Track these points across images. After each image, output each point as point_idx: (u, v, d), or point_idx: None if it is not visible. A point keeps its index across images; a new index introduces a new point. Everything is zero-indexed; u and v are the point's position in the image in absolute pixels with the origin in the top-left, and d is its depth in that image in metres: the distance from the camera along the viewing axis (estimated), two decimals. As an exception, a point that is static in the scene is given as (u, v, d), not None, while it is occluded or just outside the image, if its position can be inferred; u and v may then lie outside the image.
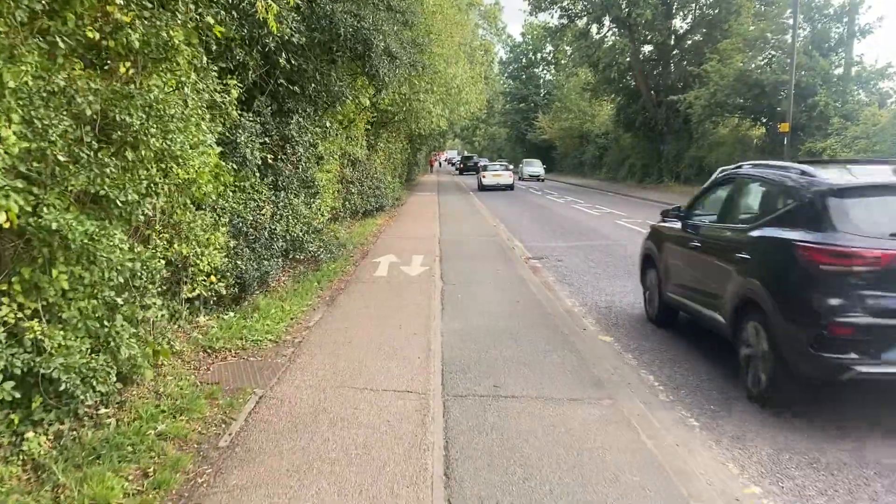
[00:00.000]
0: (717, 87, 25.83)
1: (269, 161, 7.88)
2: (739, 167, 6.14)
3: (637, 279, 8.03)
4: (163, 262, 5.12)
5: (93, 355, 3.89)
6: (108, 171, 4.07)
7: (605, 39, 38.42)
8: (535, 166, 45.83)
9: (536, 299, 8.22)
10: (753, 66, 25.19)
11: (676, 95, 29.90)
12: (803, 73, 22.75)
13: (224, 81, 6.81)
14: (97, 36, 4.13)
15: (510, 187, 34.39)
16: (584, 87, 44.44)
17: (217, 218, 6.63)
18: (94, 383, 3.79)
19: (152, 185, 4.72)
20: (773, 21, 25.79)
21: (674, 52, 37.25)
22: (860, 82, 23.48)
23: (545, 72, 73.87)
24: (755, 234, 5.04)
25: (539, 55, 73.35)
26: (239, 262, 6.81)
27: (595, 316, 7.76)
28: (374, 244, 13.13)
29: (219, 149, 6.71)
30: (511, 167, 37.50)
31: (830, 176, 4.78)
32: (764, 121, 28.11)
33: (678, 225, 6.56)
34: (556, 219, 19.42)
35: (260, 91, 8.00)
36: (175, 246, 5.43)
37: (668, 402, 4.94)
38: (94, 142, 4.12)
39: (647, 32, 36.79)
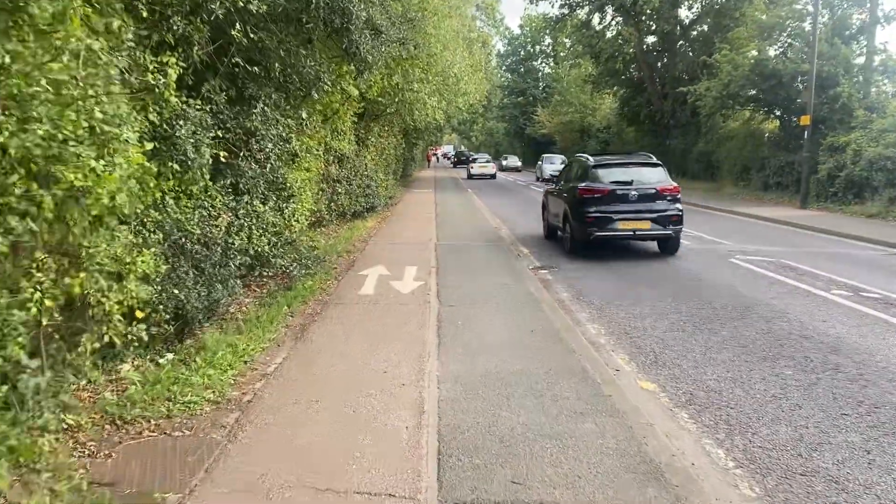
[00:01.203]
0: (731, 78, 24.29)
1: (224, 159, 6.37)
2: (572, 158, 14.46)
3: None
4: (48, 303, 3.66)
5: None
6: None
7: (609, 29, 36.86)
8: (512, 160, 57.85)
9: (553, 327, 6.73)
10: (770, 54, 23.65)
11: (686, 87, 28.32)
12: (824, 62, 21.25)
13: (160, 59, 5.32)
14: None
15: (493, 176, 43.26)
16: (586, 80, 42.83)
17: (146, 235, 5.13)
18: None
19: (16, 197, 3.24)
20: (790, 7, 24.26)
21: (680, 43, 35.70)
22: (886, 72, 21.98)
23: (544, 65, 72.28)
24: (569, 185, 12.25)
25: (538, 48, 71.77)
26: (178, 291, 5.30)
27: (626, 349, 6.29)
28: (361, 252, 11.61)
29: (150, 144, 5.19)
30: (493, 160, 48.33)
31: (595, 160, 12.13)
32: (778, 113, 26.63)
33: (552, 186, 14.37)
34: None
35: (213, 72, 6.48)
36: (70, 279, 3.93)
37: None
38: None
39: (651, 23, 35.28)
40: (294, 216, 8.30)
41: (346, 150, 13.94)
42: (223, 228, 6.50)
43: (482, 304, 7.66)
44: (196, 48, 5.72)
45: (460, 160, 66.32)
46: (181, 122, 5.52)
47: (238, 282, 6.71)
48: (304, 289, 8.06)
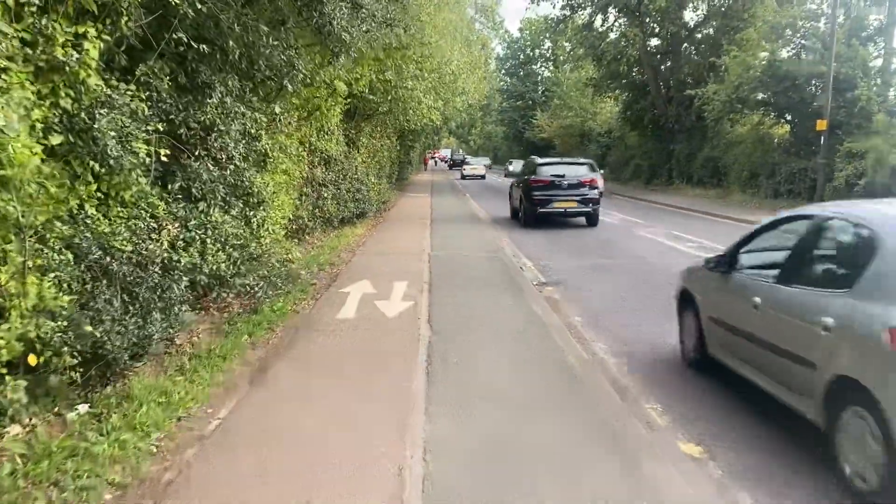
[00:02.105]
0: (742, 80, 23.20)
1: (167, 158, 5.21)
2: (528, 159, 21.06)
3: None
4: None
5: None
6: None
7: (612, 30, 35.81)
8: (517, 164, 66.17)
9: (568, 364, 5.57)
10: (784, 56, 22.58)
11: (693, 90, 27.24)
12: (841, 64, 20.18)
13: (76, 30, 4.18)
14: None
15: (482, 176, 49.50)
16: (587, 83, 41.74)
17: (49, 255, 3.96)
18: None
19: None
20: (803, 7, 23.21)
21: (685, 45, 34.64)
22: (907, 75, 20.93)
23: (543, 68, 71.33)
24: (524, 177, 17.13)
25: (537, 51, 70.86)
26: (92, 327, 4.13)
27: (660, 398, 5.12)
28: (347, 264, 10.44)
29: (57, 138, 4.07)
30: (483, 163, 56.46)
31: (541, 160, 17.58)
32: (788, 118, 25.54)
33: (514, 180, 19.83)
34: (566, 227, 16.77)
35: (158, 54, 5.31)
36: None
37: None
38: None
39: (654, 25, 34.23)
40: (264, 226, 7.13)
41: (333, 152, 12.78)
42: (166, 243, 5.32)
43: (481, 332, 6.49)
44: (125, 19, 4.55)
45: (455, 163, 69.51)
46: (103, 111, 4.35)
47: (186, 308, 5.54)
48: (273, 311, 6.89)
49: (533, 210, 16.28)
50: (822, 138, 19.77)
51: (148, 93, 5.10)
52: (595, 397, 4.81)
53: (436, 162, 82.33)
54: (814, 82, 21.98)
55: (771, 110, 25.47)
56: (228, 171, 6.40)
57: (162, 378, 4.79)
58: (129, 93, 4.74)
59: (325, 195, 12.49)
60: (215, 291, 6.26)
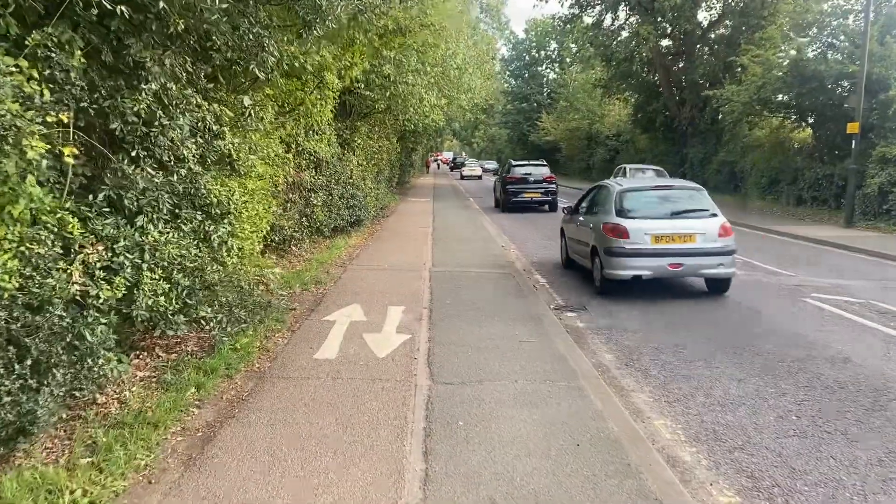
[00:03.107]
0: (765, 80, 21.83)
1: (72, 160, 3.89)
2: (506, 161, 35.15)
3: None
4: None
5: None
6: None
7: (623, 29, 34.46)
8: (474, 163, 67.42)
9: (606, 429, 4.24)
10: (810, 54, 21.20)
11: (711, 91, 25.87)
12: (873, 63, 18.80)
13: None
14: None
15: (479, 177, 55.37)
16: (596, 84, 40.35)
17: None
18: None
19: None
20: (831, 2, 21.83)
21: (698, 45, 33.27)
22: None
23: (549, 70, 69.99)
24: (502, 175, 25.20)
25: (543, 53, 69.51)
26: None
27: (732, 484, 3.79)
28: (335, 282, 9.11)
29: None
30: (482, 165, 64.74)
31: (514, 161, 25.50)
32: (810, 121, 24.16)
33: (495, 178, 31.79)
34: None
35: (71, 23, 3.99)
36: None
37: None
38: None
39: (667, 25, 32.87)
40: (227, 243, 5.81)
41: (324, 153, 11.45)
42: (77, 273, 4.00)
43: (494, 383, 5.15)
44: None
45: (456, 164, 77.58)
46: (-38, 93, 3.03)
47: (114, 354, 4.21)
48: (236, 350, 5.55)
49: (508, 199, 22.89)
50: (854, 142, 18.41)
51: (50, 71, 3.78)
52: (649, 476, 3.48)
53: (438, 165, 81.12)
54: (844, 83, 20.61)
55: (793, 113, 24.11)
56: (177, 177, 5.07)
57: (60, 463, 3.46)
58: (14, 69, 3.42)
59: (315, 202, 11.16)
60: (158, 329, 4.93)
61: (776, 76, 21.93)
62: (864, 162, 18.75)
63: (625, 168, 24.35)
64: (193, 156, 5.38)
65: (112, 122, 4.61)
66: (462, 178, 55.43)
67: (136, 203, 4.68)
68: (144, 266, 4.59)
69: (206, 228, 5.67)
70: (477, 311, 7.52)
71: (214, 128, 5.77)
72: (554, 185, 22.86)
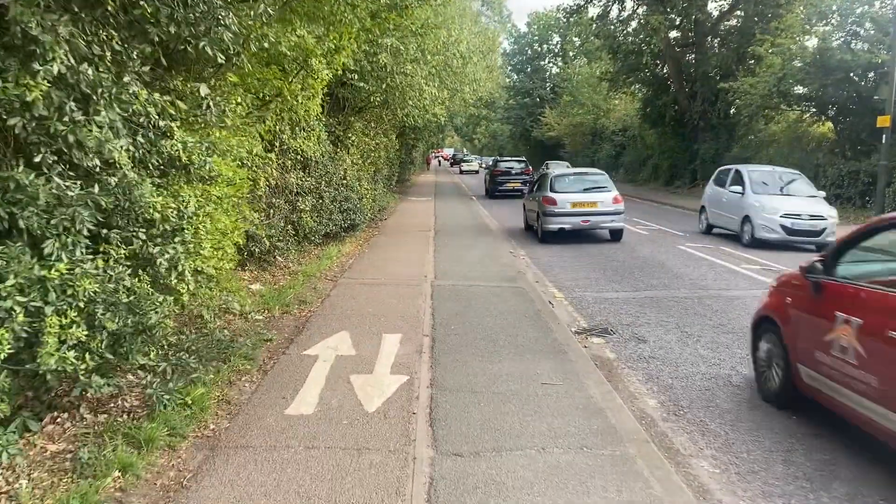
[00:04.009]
0: (787, 71, 20.58)
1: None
2: (494, 157, 43.35)
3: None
4: None
5: None
6: None
7: (632, 19, 33.16)
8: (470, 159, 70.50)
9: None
10: (834, 43, 19.95)
11: (727, 83, 24.59)
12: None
13: None
14: None
15: (476, 171, 57.43)
16: (602, 77, 39.02)
17: None
18: None
19: None
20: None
21: (709, 37, 31.98)
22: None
23: (552, 64, 68.59)
24: (490, 169, 33.34)
25: (545, 47, 68.09)
26: None
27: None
28: (322, 301, 7.92)
29: None
30: (476, 160, 66.91)
31: (498, 158, 34.71)
32: (831, 114, 22.91)
33: (486, 171, 41.71)
34: (594, 242, 14.22)
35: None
36: None
37: None
38: None
39: (674, 16, 31.59)
40: (178, 268, 4.63)
41: (313, 152, 10.26)
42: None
43: (517, 455, 3.97)
44: None
45: (456, 160, 79.16)
46: None
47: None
48: (186, 407, 4.36)
49: (494, 188, 28.06)
50: (885, 137, 17.21)
51: None
52: None
53: (439, 162, 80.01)
54: (869, 74, 19.39)
55: (812, 106, 22.87)
56: (100, 188, 3.88)
57: None
58: None
59: (303, 207, 9.98)
60: (77, 389, 3.75)
61: (797, 67, 20.70)
62: (894, 158, 17.55)
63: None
64: (129, 158, 4.19)
65: (11, 117, 3.44)
66: (461, 172, 59.66)
67: (36, 224, 3.49)
68: (49, 309, 3.40)
69: (150, 251, 4.48)
70: (487, 340, 6.34)
71: (162, 124, 4.59)
72: (530, 177, 25.97)
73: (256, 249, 8.43)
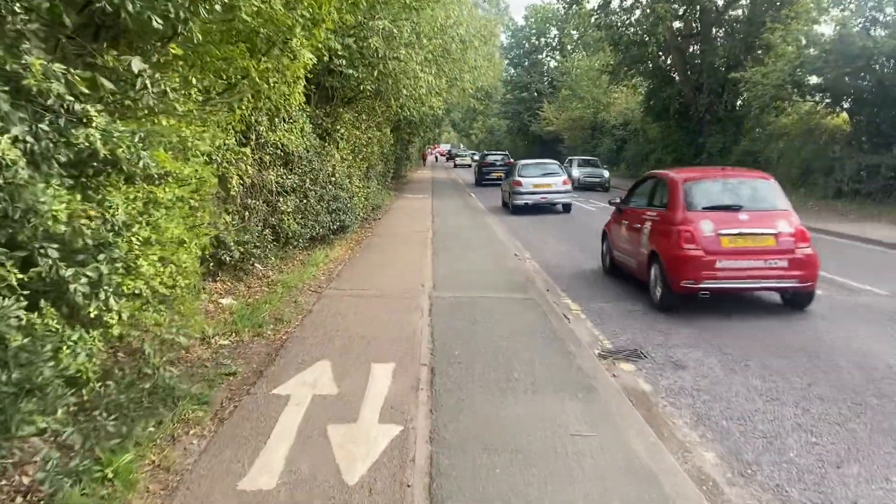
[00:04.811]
0: (804, 59, 19.50)
1: None
2: (481, 153, 51.13)
3: None
4: None
5: None
6: None
7: (636, 8, 32.01)
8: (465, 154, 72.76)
9: None
10: (854, 30, 18.88)
11: (737, 74, 23.49)
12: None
13: None
14: None
15: (469, 165, 57.39)
16: (602, 70, 37.87)
17: None
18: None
19: None
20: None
21: (714, 27, 30.86)
22: None
23: (549, 58, 67.40)
24: (479, 161, 40.87)
25: (543, 40, 66.90)
26: None
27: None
28: (302, 319, 6.81)
29: None
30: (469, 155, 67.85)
31: (484, 153, 46.66)
32: (846, 105, 21.85)
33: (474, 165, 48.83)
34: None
35: None
36: None
37: None
38: None
39: (679, 7, 30.42)
40: (101, 295, 3.55)
41: (295, 147, 9.15)
42: None
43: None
44: None
45: (451, 156, 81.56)
46: None
47: None
48: (107, 482, 3.27)
49: (481, 178, 33.20)
50: (910, 127, 16.17)
51: None
52: None
53: (436, 158, 78.93)
54: (890, 62, 18.32)
55: (827, 96, 21.81)
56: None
57: None
58: None
59: (284, 208, 8.87)
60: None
61: (813, 55, 19.63)
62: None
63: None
64: (21, 154, 3.09)
65: None
66: (455, 166, 64.76)
67: None
68: None
69: (61, 273, 3.39)
70: (498, 370, 5.25)
71: (77, 108, 3.49)
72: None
73: (228, 258, 7.32)
